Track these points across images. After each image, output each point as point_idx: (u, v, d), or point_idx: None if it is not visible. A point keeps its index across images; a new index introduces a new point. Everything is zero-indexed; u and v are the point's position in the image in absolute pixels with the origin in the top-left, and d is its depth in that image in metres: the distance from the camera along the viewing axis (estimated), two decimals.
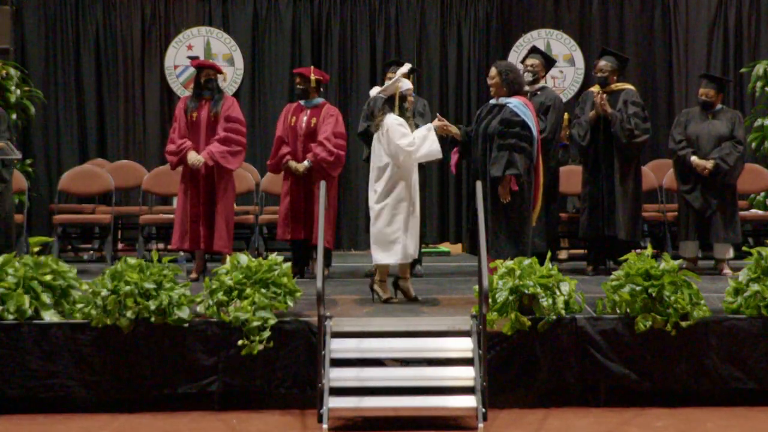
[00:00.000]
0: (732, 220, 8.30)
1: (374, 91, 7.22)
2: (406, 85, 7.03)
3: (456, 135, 7.12)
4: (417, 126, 7.14)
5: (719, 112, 8.41)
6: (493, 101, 7.13)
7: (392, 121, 6.87)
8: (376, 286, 7.03)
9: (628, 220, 8.16)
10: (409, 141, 6.82)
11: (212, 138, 7.99)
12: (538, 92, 8.33)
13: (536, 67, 8.39)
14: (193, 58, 10.96)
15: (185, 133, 8.05)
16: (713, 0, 11.38)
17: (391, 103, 6.97)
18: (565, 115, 8.55)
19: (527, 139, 6.88)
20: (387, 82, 8.34)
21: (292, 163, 8.16)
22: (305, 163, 8.12)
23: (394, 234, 6.85)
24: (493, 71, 7.12)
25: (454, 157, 7.35)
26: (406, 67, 7.22)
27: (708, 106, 8.39)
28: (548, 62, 8.60)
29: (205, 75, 8.09)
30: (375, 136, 7.00)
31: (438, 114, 7.42)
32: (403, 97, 6.98)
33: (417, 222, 6.94)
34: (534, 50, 8.75)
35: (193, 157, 7.92)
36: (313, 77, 8.25)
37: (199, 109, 8.06)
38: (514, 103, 6.96)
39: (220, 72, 8.30)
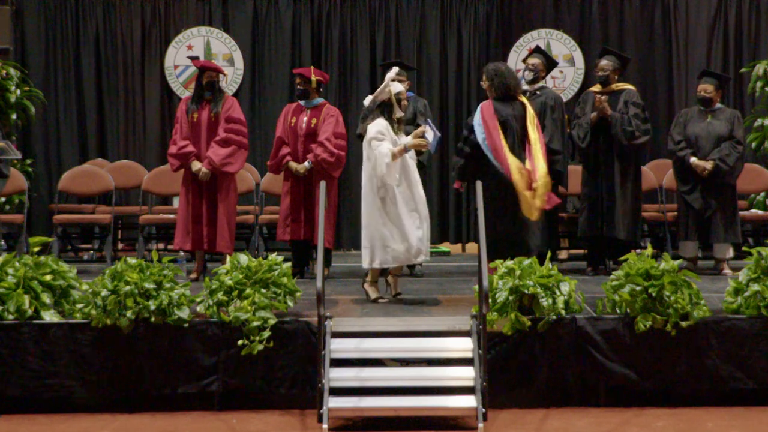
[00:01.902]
0: (732, 220, 8.30)
1: (368, 100, 7.22)
2: (397, 87, 7.03)
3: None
4: (418, 126, 7.16)
5: (718, 112, 8.40)
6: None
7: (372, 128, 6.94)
8: (366, 286, 7.09)
9: (628, 221, 8.16)
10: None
11: (213, 139, 7.99)
12: (538, 92, 8.32)
13: (537, 66, 8.39)
14: (193, 58, 10.96)
15: (187, 135, 8.05)
16: (713, 0, 11.39)
17: (387, 108, 6.96)
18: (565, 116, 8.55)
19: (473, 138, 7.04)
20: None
21: (293, 164, 8.15)
22: (306, 164, 8.11)
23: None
24: (483, 76, 7.27)
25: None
26: (394, 72, 7.25)
27: (707, 102, 8.38)
28: (550, 63, 8.60)
29: (207, 77, 8.08)
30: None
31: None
32: (398, 101, 6.98)
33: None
34: (537, 50, 8.75)
35: (201, 173, 7.93)
36: (314, 78, 8.25)
37: (200, 110, 8.06)
38: (477, 110, 7.09)
39: (222, 74, 8.29)
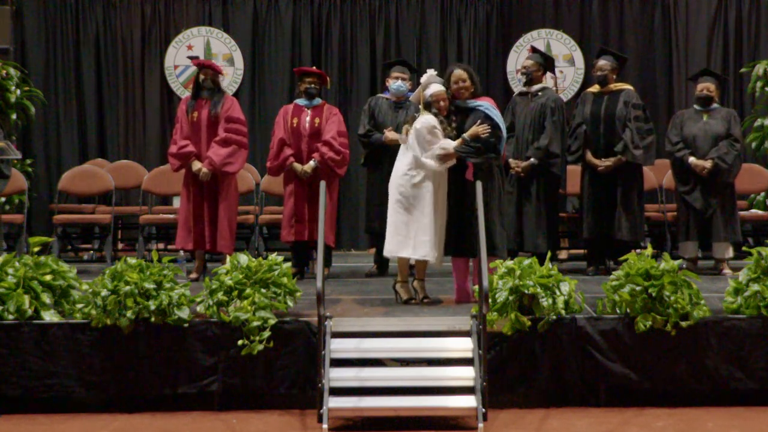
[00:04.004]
0: (731, 219, 8.31)
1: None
2: (430, 90, 6.82)
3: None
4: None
5: (714, 111, 8.40)
6: (457, 102, 6.94)
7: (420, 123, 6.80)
8: (397, 287, 7.04)
9: (631, 221, 8.15)
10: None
11: (213, 139, 7.99)
12: (539, 93, 8.32)
13: (530, 68, 8.38)
14: (193, 58, 10.96)
15: (188, 134, 8.05)
16: (713, 0, 11.39)
17: (428, 108, 6.83)
18: None
19: (498, 140, 6.86)
20: (391, 83, 8.36)
21: (297, 166, 8.11)
22: (311, 163, 8.09)
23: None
24: (463, 74, 6.87)
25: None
26: (426, 76, 6.90)
27: (708, 101, 8.38)
28: (546, 61, 8.61)
29: (203, 74, 8.09)
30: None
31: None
32: (428, 105, 6.81)
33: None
34: (532, 50, 8.76)
35: (202, 173, 7.93)
36: (329, 80, 8.26)
37: (199, 110, 8.05)
38: (486, 105, 6.92)
39: (219, 72, 8.29)
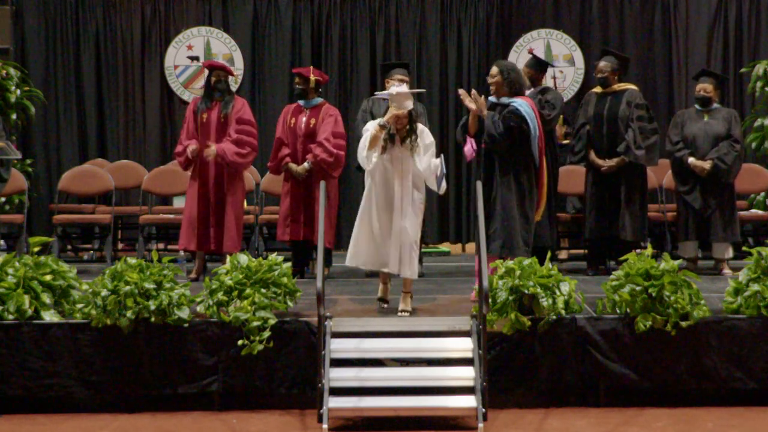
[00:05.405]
0: (731, 220, 8.30)
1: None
2: (393, 110, 6.55)
3: (478, 112, 6.87)
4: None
5: (715, 112, 8.40)
6: (492, 99, 7.10)
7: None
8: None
9: (635, 222, 8.16)
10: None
11: (223, 139, 7.98)
12: (539, 96, 8.32)
13: (526, 74, 8.38)
14: (193, 58, 10.95)
15: (194, 135, 8.05)
16: (713, 0, 11.39)
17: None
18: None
19: (526, 129, 6.86)
20: (393, 85, 8.36)
21: (292, 166, 8.14)
22: (305, 164, 8.11)
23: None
24: (494, 70, 7.05)
25: (469, 147, 7.14)
26: (396, 89, 6.72)
27: (706, 102, 8.38)
28: (541, 65, 8.63)
29: (215, 76, 8.10)
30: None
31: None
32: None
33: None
34: (530, 52, 8.78)
35: (208, 150, 7.90)
36: (312, 77, 8.24)
37: (209, 111, 8.06)
38: (519, 102, 6.96)
39: (230, 74, 8.30)
